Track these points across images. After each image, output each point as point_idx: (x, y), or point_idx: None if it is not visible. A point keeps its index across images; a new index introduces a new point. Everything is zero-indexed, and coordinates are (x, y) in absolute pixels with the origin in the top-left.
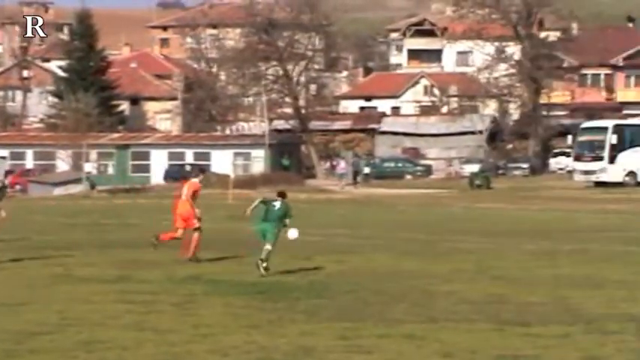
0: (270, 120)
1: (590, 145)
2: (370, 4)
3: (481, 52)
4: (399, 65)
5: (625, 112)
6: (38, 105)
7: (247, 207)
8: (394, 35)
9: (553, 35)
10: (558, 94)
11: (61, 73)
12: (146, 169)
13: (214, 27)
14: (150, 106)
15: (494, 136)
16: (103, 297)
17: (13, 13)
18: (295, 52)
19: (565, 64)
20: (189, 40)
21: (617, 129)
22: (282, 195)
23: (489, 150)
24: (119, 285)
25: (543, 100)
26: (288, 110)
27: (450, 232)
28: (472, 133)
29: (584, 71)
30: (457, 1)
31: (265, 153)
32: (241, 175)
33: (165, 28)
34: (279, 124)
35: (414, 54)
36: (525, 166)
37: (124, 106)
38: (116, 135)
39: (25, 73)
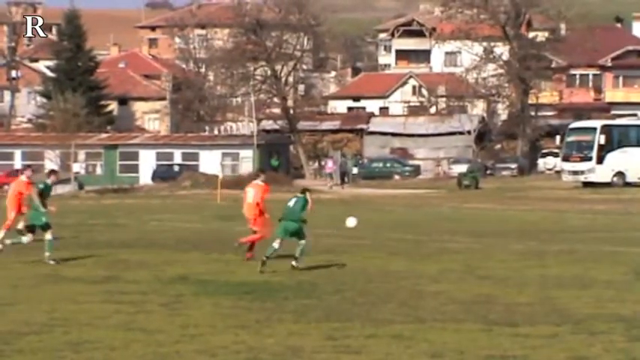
0: (259, 120)
1: (578, 146)
2: (359, 4)
3: (469, 52)
4: (387, 65)
5: (613, 112)
6: (26, 105)
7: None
8: (382, 36)
9: (541, 35)
10: (546, 94)
11: (50, 74)
12: (134, 169)
13: (203, 27)
14: (138, 107)
15: (483, 136)
16: (91, 297)
17: (0, 13)
18: (284, 53)
19: (553, 65)
20: (177, 40)
21: (606, 129)
22: (303, 192)
23: (478, 150)
24: (107, 285)
25: (531, 100)
26: (277, 110)
27: (438, 232)
28: (460, 133)
29: (573, 71)
30: (445, 2)
31: (254, 153)
32: (230, 175)
33: (153, 29)
34: (268, 124)
35: (402, 54)
36: (513, 166)
37: (113, 107)
38: (104, 135)
39: (14, 73)
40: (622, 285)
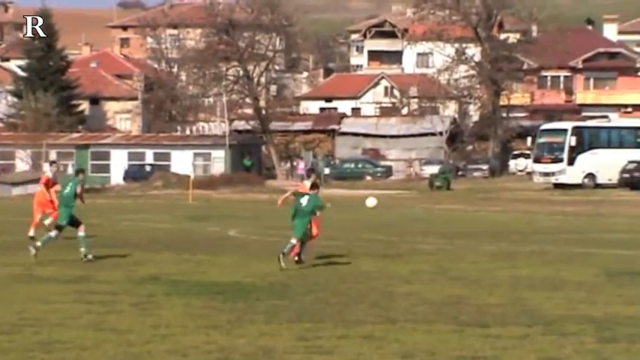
0: (231, 120)
1: (549, 147)
2: (331, 5)
3: (441, 53)
4: (359, 66)
5: (584, 114)
6: None
7: (278, 198)
8: (355, 36)
9: (513, 37)
10: (518, 95)
11: (21, 73)
12: (106, 169)
13: (175, 27)
14: (110, 106)
15: (454, 137)
16: (63, 297)
17: None
18: (256, 53)
19: (525, 66)
20: (149, 40)
21: (576, 131)
22: (313, 187)
23: (449, 151)
24: (79, 285)
25: (503, 101)
26: (249, 111)
27: (409, 233)
28: (432, 134)
29: (544, 73)
30: (417, 3)
31: (225, 153)
32: (201, 175)
33: (125, 28)
34: (240, 124)
35: (374, 55)
36: (485, 167)
37: (84, 106)
38: (76, 135)
39: None
40: (593, 286)
